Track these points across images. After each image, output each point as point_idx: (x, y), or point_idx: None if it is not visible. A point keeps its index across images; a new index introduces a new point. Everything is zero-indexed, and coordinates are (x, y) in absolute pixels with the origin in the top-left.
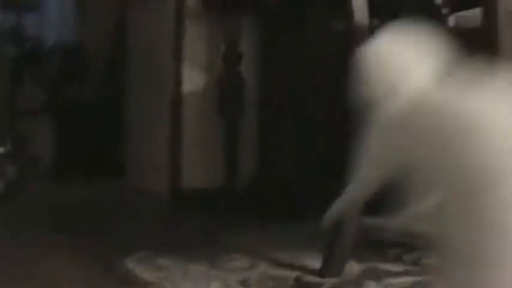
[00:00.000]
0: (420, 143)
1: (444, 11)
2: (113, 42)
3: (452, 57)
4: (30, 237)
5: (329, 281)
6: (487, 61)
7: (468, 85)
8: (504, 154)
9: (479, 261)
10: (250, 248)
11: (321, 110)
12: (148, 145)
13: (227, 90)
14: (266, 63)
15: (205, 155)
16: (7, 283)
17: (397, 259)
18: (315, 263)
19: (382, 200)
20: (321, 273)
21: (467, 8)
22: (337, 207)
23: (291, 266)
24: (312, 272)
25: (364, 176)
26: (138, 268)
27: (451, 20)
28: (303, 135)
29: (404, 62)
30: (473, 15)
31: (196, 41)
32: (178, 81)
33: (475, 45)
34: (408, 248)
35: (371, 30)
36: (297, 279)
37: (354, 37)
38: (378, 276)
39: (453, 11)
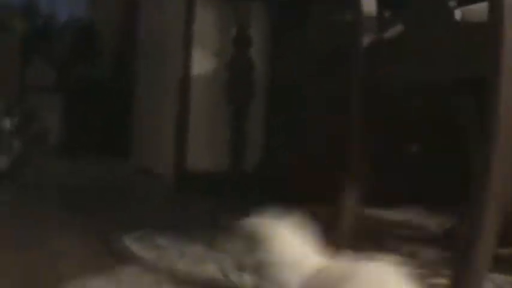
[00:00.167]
0: None
1: (451, 4)
2: (124, 23)
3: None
4: (34, 213)
5: None
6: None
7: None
8: None
9: None
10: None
11: (329, 95)
12: (155, 127)
13: (236, 74)
14: (276, 47)
15: (212, 139)
16: (6, 253)
17: (395, 250)
18: None
19: (381, 192)
20: None
21: (474, 1)
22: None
23: None
24: None
25: None
26: (135, 246)
27: (458, 14)
28: (311, 121)
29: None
30: (481, 9)
31: (206, 24)
32: (187, 64)
33: (481, 39)
34: (406, 240)
35: (380, 21)
36: None
37: (362, 27)
38: None
39: (460, 4)
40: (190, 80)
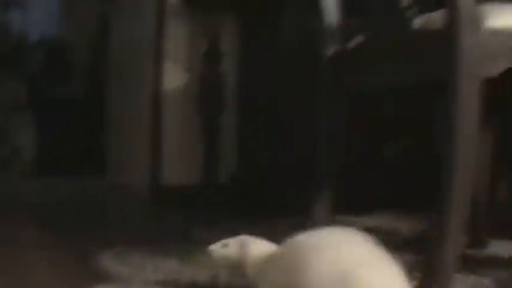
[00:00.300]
0: None
1: (412, 11)
2: (95, 41)
3: None
4: (7, 233)
5: None
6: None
7: None
8: None
9: None
10: None
11: (299, 107)
12: (129, 142)
13: (207, 88)
14: (246, 61)
15: (185, 152)
16: None
17: None
18: None
19: (353, 199)
20: None
21: (437, 8)
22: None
23: None
24: None
25: None
26: (111, 263)
27: (418, 22)
28: (282, 132)
29: None
30: (442, 16)
31: (177, 39)
32: (159, 79)
33: (439, 46)
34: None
35: (345, 30)
36: None
37: (326, 37)
38: None
39: (423, 11)
40: (162, 94)
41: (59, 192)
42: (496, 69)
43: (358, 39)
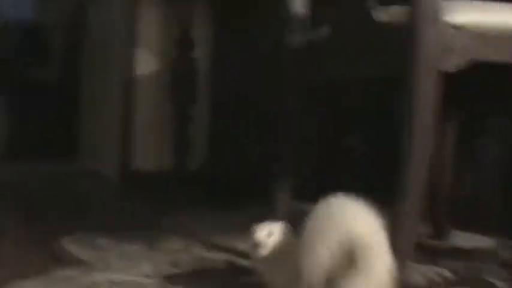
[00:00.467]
0: None
1: (371, 4)
2: (69, 24)
3: None
4: None
5: None
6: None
7: None
8: None
9: None
10: (188, 230)
11: (270, 97)
12: (100, 127)
13: (179, 76)
14: (218, 49)
15: (156, 139)
16: None
17: None
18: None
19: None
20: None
21: (400, 2)
22: None
23: (226, 250)
24: (246, 256)
25: None
26: (76, 248)
27: (380, 15)
28: (252, 122)
29: None
30: (404, 9)
31: (150, 25)
32: (130, 66)
33: (399, 39)
34: None
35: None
36: (229, 263)
37: (292, 28)
38: None
39: (384, 4)
40: (134, 80)
41: (29, 175)
42: (455, 64)
43: (323, 30)
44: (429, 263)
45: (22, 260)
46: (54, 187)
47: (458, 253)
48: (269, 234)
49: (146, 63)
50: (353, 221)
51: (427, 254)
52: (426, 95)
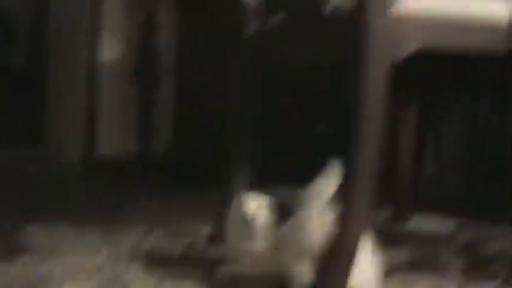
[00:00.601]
0: None
1: None
2: (32, 11)
3: None
4: None
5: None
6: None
7: None
8: None
9: None
10: (152, 214)
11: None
12: (64, 113)
13: (143, 60)
14: (183, 34)
15: (120, 124)
16: None
17: None
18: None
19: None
20: (212, 240)
21: None
22: None
23: (188, 233)
24: (208, 239)
25: None
26: (36, 235)
27: (333, 3)
28: (217, 106)
29: None
30: None
31: (114, 10)
32: (95, 50)
33: (349, 27)
34: None
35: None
36: (190, 246)
37: (247, 14)
38: None
39: None
40: (98, 65)
41: None
42: (405, 51)
43: (278, 17)
44: (385, 246)
45: None
46: (17, 173)
47: (416, 237)
48: (259, 206)
49: (110, 47)
50: None
51: (385, 237)
52: (375, 84)
